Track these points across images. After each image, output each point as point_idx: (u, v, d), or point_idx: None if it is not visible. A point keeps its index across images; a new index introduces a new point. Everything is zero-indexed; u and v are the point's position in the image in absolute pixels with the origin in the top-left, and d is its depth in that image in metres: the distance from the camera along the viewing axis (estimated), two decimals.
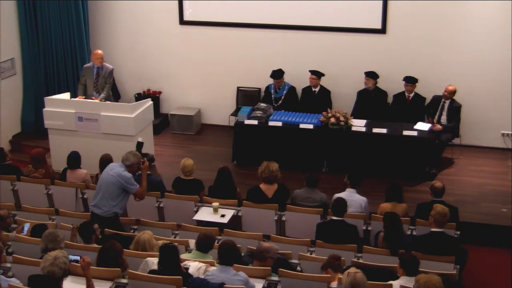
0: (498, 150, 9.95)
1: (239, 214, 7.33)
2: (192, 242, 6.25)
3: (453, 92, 9.37)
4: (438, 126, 9.18)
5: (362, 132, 9.09)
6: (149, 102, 9.35)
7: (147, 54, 11.21)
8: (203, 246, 5.85)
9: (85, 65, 9.88)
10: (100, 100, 9.42)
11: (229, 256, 5.47)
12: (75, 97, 9.68)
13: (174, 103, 11.26)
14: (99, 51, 9.78)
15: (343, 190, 7.34)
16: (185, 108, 11.08)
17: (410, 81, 9.58)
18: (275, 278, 5.70)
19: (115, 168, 6.81)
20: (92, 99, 9.49)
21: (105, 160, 7.73)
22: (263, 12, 10.44)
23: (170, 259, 5.39)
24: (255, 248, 5.96)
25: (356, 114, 9.61)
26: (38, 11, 10.62)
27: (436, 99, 9.54)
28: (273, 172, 7.32)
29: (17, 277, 5.59)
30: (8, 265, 5.84)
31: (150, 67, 11.26)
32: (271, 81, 10.25)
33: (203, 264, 5.65)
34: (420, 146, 8.93)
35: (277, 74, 10.10)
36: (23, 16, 10.57)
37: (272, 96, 10.22)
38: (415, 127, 9.13)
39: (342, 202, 6.72)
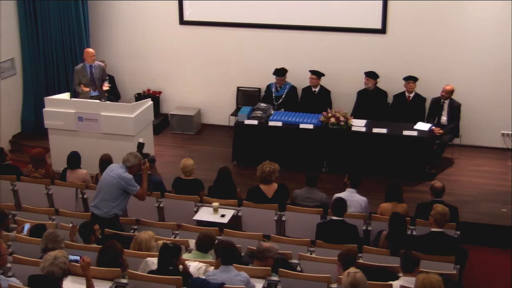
0: (498, 150, 9.95)
1: (239, 214, 7.33)
2: (192, 242, 6.25)
3: (451, 92, 9.37)
4: (440, 131, 9.17)
5: (362, 132, 9.08)
6: (149, 102, 9.35)
7: (147, 54, 11.20)
8: (203, 246, 5.86)
9: (76, 67, 9.77)
10: (108, 87, 9.59)
11: (229, 255, 5.46)
12: (75, 97, 9.68)
13: (174, 103, 11.26)
14: (91, 50, 9.78)
15: (343, 190, 7.34)
16: (185, 108, 11.08)
17: (411, 78, 9.57)
18: (275, 278, 5.70)
19: (116, 169, 6.80)
20: (103, 88, 9.56)
21: (105, 160, 7.74)
22: (263, 12, 10.45)
23: (167, 260, 5.39)
24: (255, 248, 5.96)
25: (356, 114, 9.61)
26: (38, 11, 10.62)
27: (435, 101, 9.54)
28: (264, 173, 7.31)
29: (17, 277, 5.58)
30: (8, 265, 5.83)
31: (150, 67, 11.26)
32: (271, 80, 10.25)
33: (203, 264, 5.65)
34: (420, 146, 8.93)
35: (280, 72, 10.12)
36: (23, 16, 10.57)
37: (273, 94, 10.22)
38: (415, 127, 9.13)
39: (342, 202, 6.71)
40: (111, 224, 6.71)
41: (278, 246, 5.95)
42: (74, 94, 9.99)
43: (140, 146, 7.37)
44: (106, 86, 9.65)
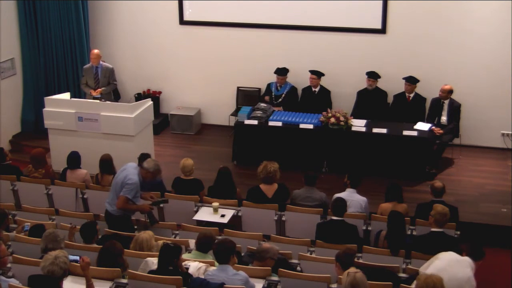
0: (498, 150, 9.95)
1: (239, 214, 7.33)
2: (192, 242, 6.25)
3: (450, 91, 9.37)
4: (440, 131, 9.17)
5: (362, 132, 9.09)
6: (149, 102, 9.35)
7: (147, 54, 11.21)
8: (203, 246, 5.86)
9: (84, 66, 9.93)
10: (101, 93, 9.50)
11: (223, 253, 5.45)
12: (75, 97, 9.69)
13: (174, 103, 11.26)
14: (96, 51, 9.84)
15: (343, 190, 7.34)
16: (185, 108, 11.08)
17: (410, 81, 9.58)
18: (275, 278, 5.70)
19: (128, 168, 6.79)
20: (90, 93, 9.55)
21: (105, 160, 7.76)
22: (263, 12, 10.45)
23: (167, 260, 5.40)
24: (255, 248, 5.95)
25: (356, 114, 9.61)
26: (38, 11, 10.63)
27: (435, 102, 9.53)
28: (270, 173, 7.31)
29: (17, 277, 5.59)
30: (8, 265, 5.82)
31: (150, 67, 11.26)
32: (271, 80, 10.27)
33: (203, 264, 5.65)
34: (420, 146, 8.93)
35: (282, 71, 10.14)
36: (23, 16, 10.57)
37: (273, 93, 10.23)
38: (415, 127, 9.13)
39: (342, 202, 6.72)
40: (122, 222, 6.71)
41: (278, 247, 5.95)
42: (84, 94, 10.06)
43: (163, 202, 7.27)
44: (95, 92, 9.58)
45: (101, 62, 9.81)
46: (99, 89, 9.61)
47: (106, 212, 6.88)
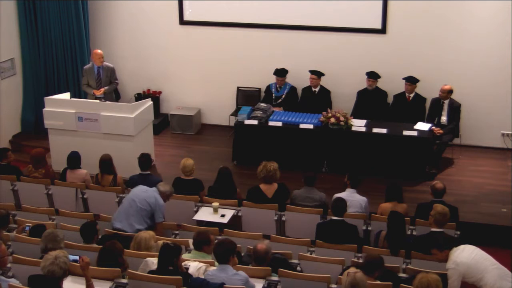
0: (498, 150, 9.95)
1: (239, 214, 7.33)
2: (192, 242, 6.25)
3: (449, 91, 9.36)
4: (440, 131, 9.17)
5: (362, 132, 9.08)
6: (149, 102, 9.36)
7: (147, 54, 11.21)
8: (200, 244, 5.85)
9: (85, 67, 9.90)
10: (104, 93, 9.52)
11: (223, 253, 5.45)
12: (75, 97, 9.67)
13: (174, 103, 11.26)
14: (99, 51, 9.82)
15: (343, 190, 7.34)
16: (185, 108, 11.08)
17: (411, 80, 9.57)
18: (275, 278, 5.70)
19: (149, 192, 6.86)
20: (93, 93, 9.53)
21: (105, 160, 7.76)
22: (263, 12, 10.45)
23: (167, 260, 5.40)
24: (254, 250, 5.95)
25: (356, 114, 9.61)
26: (38, 11, 10.63)
27: (435, 102, 9.53)
28: (270, 172, 7.32)
29: (17, 277, 5.59)
30: (8, 265, 5.82)
31: (150, 67, 11.26)
32: (271, 80, 10.26)
33: (203, 264, 5.65)
34: (420, 146, 8.93)
35: (281, 72, 10.13)
36: (23, 16, 10.57)
37: (273, 94, 10.23)
38: (415, 127, 9.13)
39: (342, 202, 6.72)
40: None
41: (278, 246, 5.95)
42: (84, 94, 10.05)
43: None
44: (99, 92, 9.57)
45: (104, 63, 9.79)
46: (102, 89, 9.61)
47: (117, 230, 6.70)
